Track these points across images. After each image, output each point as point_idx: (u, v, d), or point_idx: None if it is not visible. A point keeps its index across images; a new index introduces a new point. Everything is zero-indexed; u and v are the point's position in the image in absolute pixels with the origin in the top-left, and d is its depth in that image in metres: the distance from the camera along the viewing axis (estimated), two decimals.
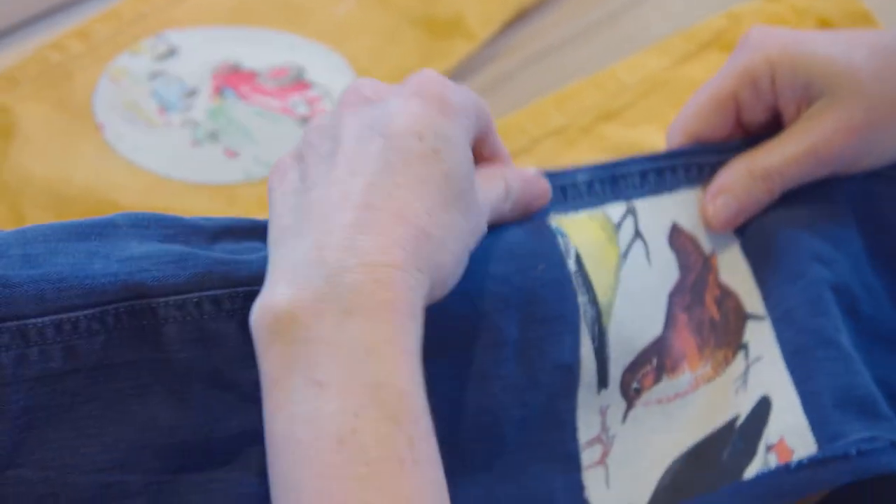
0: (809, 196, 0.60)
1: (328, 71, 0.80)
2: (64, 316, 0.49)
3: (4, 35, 0.82)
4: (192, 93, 0.77)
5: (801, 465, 0.53)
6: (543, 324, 0.55)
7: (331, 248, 0.46)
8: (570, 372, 0.55)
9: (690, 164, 0.61)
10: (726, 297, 0.59)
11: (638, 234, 0.58)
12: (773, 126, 0.62)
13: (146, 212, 0.53)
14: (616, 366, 0.56)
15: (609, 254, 0.57)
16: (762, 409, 0.56)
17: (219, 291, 0.51)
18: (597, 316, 0.56)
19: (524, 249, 0.55)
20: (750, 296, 0.59)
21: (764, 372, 0.57)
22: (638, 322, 0.57)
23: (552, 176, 0.58)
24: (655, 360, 0.57)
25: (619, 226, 0.58)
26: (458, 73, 0.81)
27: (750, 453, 0.55)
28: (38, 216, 0.69)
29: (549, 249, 0.56)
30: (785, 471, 0.53)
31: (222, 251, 0.53)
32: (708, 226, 0.60)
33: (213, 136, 0.75)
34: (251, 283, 0.51)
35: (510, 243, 0.55)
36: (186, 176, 0.73)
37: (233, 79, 0.78)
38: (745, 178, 0.59)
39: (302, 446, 0.44)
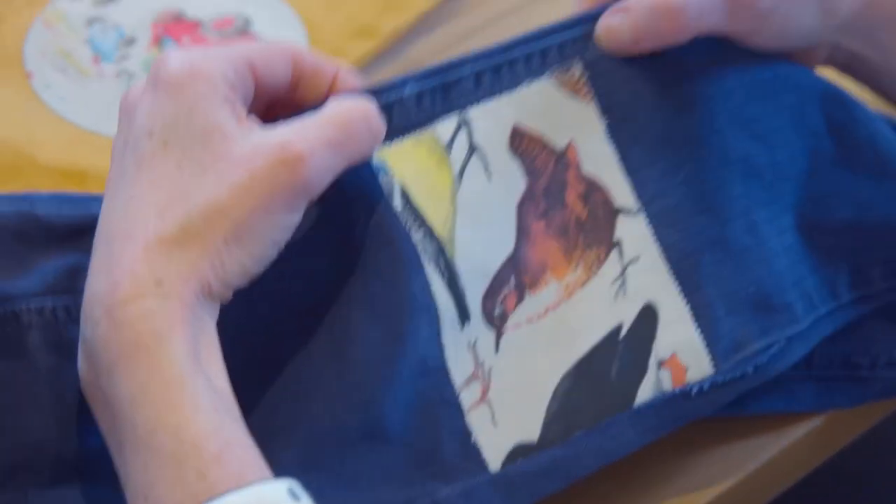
0: (692, 67, 0.56)
1: (276, 24, 0.75)
2: None
3: None
4: (129, 42, 0.73)
5: (701, 392, 0.52)
6: (383, 275, 0.51)
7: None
8: (428, 312, 0.51)
9: (532, 52, 0.56)
10: (593, 191, 0.55)
11: (473, 147, 0.54)
12: None
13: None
14: (473, 295, 0.53)
15: (441, 180, 0.54)
16: (647, 318, 0.53)
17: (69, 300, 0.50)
18: (439, 249, 0.53)
19: (342, 200, 0.51)
20: (619, 187, 0.55)
21: (644, 276, 0.54)
22: (486, 245, 0.54)
23: (377, 93, 0.54)
24: (513, 280, 0.54)
25: (450, 144, 0.54)
26: (416, 30, 0.77)
27: (640, 369, 0.53)
28: None
29: (370, 193, 0.52)
30: (682, 397, 0.52)
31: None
32: (598, 42, 0.55)
33: None
34: None
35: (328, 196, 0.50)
36: (113, 131, 0.69)
37: (174, 28, 0.74)
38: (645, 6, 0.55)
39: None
